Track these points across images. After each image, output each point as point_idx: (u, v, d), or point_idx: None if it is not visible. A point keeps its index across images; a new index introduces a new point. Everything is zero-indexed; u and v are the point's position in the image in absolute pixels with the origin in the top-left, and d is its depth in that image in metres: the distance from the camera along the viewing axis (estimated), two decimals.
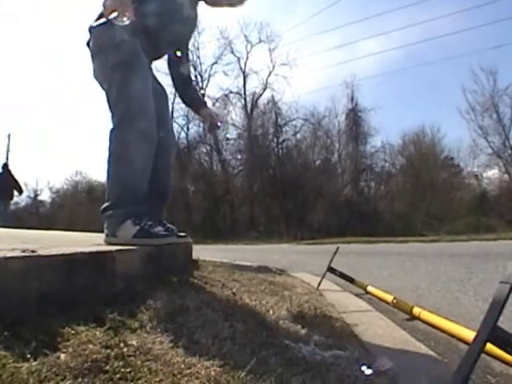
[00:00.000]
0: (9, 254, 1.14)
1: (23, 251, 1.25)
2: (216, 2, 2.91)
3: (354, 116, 33.13)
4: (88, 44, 2.52)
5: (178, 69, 2.98)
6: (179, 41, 2.88)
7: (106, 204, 2.34)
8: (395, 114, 44.90)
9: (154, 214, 2.49)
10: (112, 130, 2.36)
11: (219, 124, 3.14)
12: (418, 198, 28.97)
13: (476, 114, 28.91)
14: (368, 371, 1.29)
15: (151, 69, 2.71)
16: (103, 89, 2.53)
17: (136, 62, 2.40)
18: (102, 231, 2.37)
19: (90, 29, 2.50)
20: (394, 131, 40.24)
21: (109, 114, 2.44)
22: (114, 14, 2.19)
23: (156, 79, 2.78)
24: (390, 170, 33.38)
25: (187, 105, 3.22)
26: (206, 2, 2.89)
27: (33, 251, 1.26)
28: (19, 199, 44.61)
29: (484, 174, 30.00)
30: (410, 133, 32.92)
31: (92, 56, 2.53)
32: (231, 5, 2.97)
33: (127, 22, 2.24)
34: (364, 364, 1.33)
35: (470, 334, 1.87)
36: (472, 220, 24.31)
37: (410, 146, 33.09)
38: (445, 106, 45.10)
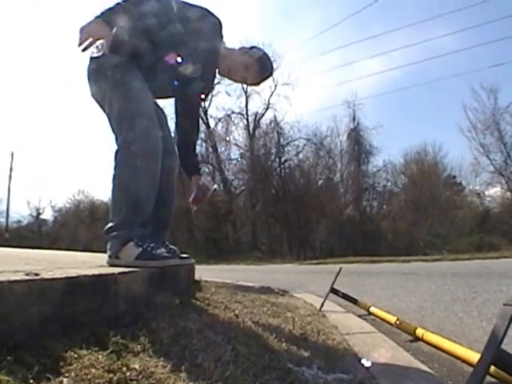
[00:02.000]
0: (12, 277, 1.14)
1: (26, 274, 1.25)
2: (230, 75, 2.91)
3: (356, 135, 33.29)
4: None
5: (186, 126, 2.88)
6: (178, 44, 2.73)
7: (109, 225, 2.34)
8: (397, 132, 45.26)
9: (156, 235, 2.50)
10: (116, 152, 2.37)
11: (201, 198, 2.97)
12: (421, 216, 28.94)
13: (477, 132, 29.03)
14: None
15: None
16: (103, 110, 2.55)
17: (135, 83, 2.42)
18: (104, 251, 2.37)
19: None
20: (395, 150, 40.69)
21: (110, 132, 2.47)
22: (88, 42, 2.25)
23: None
24: (392, 189, 33.48)
25: (182, 165, 3.00)
26: (219, 73, 2.91)
27: (36, 274, 1.26)
28: (21, 217, 45.09)
29: (486, 192, 30.04)
30: (412, 152, 33.11)
31: (89, 77, 2.55)
32: (245, 82, 3.00)
33: (99, 54, 2.29)
34: None
35: (474, 356, 1.86)
36: (475, 238, 24.24)
37: (411, 164, 33.21)
38: (446, 125, 45.43)
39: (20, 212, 45.74)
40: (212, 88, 3.07)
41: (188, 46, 2.57)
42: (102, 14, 2.34)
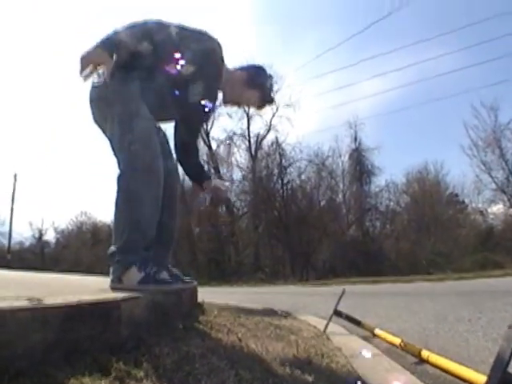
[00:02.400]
0: (15, 304, 1.15)
1: (29, 300, 1.25)
2: (233, 100, 2.97)
3: (358, 156, 33.41)
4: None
5: (184, 129, 2.84)
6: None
7: (112, 248, 2.34)
8: (398, 152, 45.35)
9: (159, 258, 2.50)
10: (119, 176, 2.38)
11: (227, 196, 3.01)
12: (424, 236, 28.88)
13: (479, 149, 29.17)
14: None
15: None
16: (104, 133, 2.57)
17: (137, 106, 2.44)
18: (107, 273, 2.37)
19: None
20: (397, 170, 40.73)
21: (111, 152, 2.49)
22: (88, 70, 2.28)
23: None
24: (394, 208, 33.48)
25: (187, 173, 3.04)
26: (225, 102, 2.96)
27: (39, 300, 1.26)
28: (24, 239, 45.12)
29: (489, 210, 30.09)
30: (414, 171, 33.18)
31: (90, 101, 2.58)
32: (248, 106, 3.08)
33: (101, 81, 2.32)
34: None
35: (480, 379, 1.84)
36: (479, 257, 24.17)
37: (413, 184, 33.25)
38: (447, 143, 45.74)
39: (22, 233, 45.76)
40: (215, 107, 3.09)
41: (189, 67, 2.60)
42: (101, 41, 2.37)
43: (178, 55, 2.54)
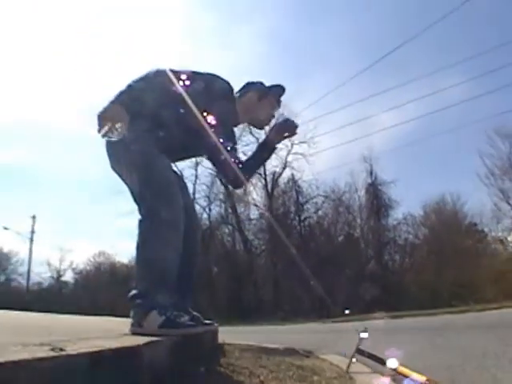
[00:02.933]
0: (38, 354, 1.15)
1: (52, 349, 1.26)
2: (253, 121, 3.22)
3: (374, 190, 33.38)
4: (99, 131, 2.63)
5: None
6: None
7: (133, 292, 2.37)
8: (415, 184, 45.30)
9: (180, 302, 2.51)
10: (140, 222, 2.43)
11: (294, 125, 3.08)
12: (444, 267, 28.42)
13: (495, 177, 29.02)
14: None
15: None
16: (122, 179, 2.63)
17: (154, 152, 2.50)
18: (125, 314, 2.39)
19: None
20: (414, 202, 40.45)
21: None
22: (107, 128, 2.34)
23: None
24: (413, 241, 33.19)
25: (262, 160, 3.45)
26: (249, 123, 3.21)
27: (61, 349, 1.26)
28: (42, 279, 45.38)
29: (509, 238, 29.59)
30: (431, 202, 32.93)
31: (107, 150, 2.65)
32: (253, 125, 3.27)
33: (118, 137, 2.38)
34: None
35: None
36: (501, 286, 23.66)
37: (431, 215, 32.96)
38: (464, 173, 45.34)
39: (41, 273, 45.97)
40: (234, 143, 3.17)
41: (202, 110, 2.67)
42: (116, 97, 2.46)
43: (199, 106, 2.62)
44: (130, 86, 2.52)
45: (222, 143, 2.79)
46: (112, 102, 2.45)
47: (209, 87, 2.71)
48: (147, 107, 2.54)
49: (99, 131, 2.39)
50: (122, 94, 2.50)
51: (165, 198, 2.42)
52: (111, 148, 2.62)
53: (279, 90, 3.13)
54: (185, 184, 2.96)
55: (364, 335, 3.61)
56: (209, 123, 2.66)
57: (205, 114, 2.65)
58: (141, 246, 2.42)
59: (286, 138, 3.17)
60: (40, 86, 57.59)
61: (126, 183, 2.61)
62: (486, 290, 24.11)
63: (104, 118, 2.38)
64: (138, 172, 2.49)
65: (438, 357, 4.31)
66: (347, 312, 17.03)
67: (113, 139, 2.42)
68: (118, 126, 2.39)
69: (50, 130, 55.98)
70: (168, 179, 2.50)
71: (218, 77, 2.83)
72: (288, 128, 3.10)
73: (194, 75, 2.73)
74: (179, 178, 2.91)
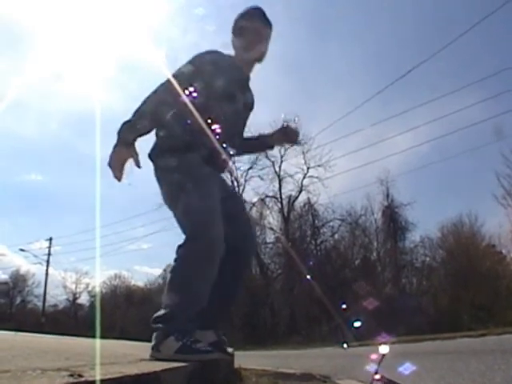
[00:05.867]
0: (57, 381, 1.18)
1: (71, 375, 1.29)
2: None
3: (391, 212, 33.08)
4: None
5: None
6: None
7: (158, 313, 2.44)
8: (431, 206, 44.75)
9: (211, 319, 2.61)
10: (178, 247, 2.50)
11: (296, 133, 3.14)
12: (462, 290, 27.97)
13: None
14: None
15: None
16: (171, 210, 2.71)
17: (196, 175, 2.57)
18: (140, 337, 2.44)
19: (150, 156, 2.70)
20: (431, 224, 39.82)
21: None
22: (121, 172, 2.41)
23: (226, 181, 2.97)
24: (431, 263, 32.69)
25: (255, 150, 3.46)
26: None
27: (80, 375, 1.29)
28: (58, 302, 45.52)
29: None
30: (448, 224, 32.39)
31: (158, 180, 2.72)
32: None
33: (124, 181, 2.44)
34: None
35: None
36: None
37: (449, 237, 32.49)
38: (481, 194, 44.93)
39: (57, 296, 46.12)
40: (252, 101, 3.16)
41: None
42: (118, 136, 2.44)
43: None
44: (136, 112, 2.52)
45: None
46: (114, 146, 2.42)
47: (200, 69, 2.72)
48: (174, 129, 2.63)
49: (116, 178, 2.41)
50: (121, 129, 2.46)
51: (203, 228, 2.47)
52: (159, 182, 2.73)
53: (250, 13, 2.98)
54: (235, 193, 3.01)
55: (384, 350, 3.60)
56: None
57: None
58: (173, 272, 2.51)
59: (286, 144, 3.21)
60: (55, 110, 58.30)
61: (172, 211, 2.69)
62: (506, 312, 23.65)
63: (114, 163, 2.40)
64: (178, 200, 2.57)
65: (457, 382, 4.26)
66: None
67: (125, 181, 2.45)
68: (127, 165, 2.43)
69: (70, 152, 56.33)
70: (208, 208, 2.53)
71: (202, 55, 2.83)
72: (290, 135, 3.15)
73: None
74: (226, 188, 2.94)
